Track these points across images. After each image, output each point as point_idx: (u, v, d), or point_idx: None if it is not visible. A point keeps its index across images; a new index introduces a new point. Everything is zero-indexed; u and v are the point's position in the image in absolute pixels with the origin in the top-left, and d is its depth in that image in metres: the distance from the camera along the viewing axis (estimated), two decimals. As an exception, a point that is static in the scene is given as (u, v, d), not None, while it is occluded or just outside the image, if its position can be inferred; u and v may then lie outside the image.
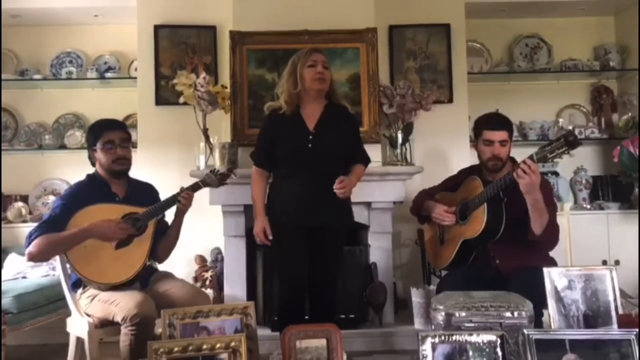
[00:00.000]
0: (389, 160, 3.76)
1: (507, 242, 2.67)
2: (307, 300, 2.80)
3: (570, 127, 4.34)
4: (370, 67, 3.69)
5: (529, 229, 2.60)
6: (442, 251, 2.94)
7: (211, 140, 3.59)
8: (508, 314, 1.91)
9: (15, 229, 4.02)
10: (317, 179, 2.68)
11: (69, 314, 2.71)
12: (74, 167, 3.85)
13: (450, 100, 4.04)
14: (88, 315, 2.57)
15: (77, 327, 2.62)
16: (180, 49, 4.02)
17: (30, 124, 4.44)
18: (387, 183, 3.55)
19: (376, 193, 3.52)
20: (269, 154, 2.79)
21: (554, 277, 2.03)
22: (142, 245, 2.61)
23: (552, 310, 2.00)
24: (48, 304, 3.32)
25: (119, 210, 2.62)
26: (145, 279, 2.67)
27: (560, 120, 4.60)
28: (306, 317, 2.76)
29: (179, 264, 3.47)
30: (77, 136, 4.27)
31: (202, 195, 3.14)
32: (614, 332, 1.88)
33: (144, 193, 2.79)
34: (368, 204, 3.56)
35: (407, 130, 3.75)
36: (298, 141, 2.72)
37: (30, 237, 2.48)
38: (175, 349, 1.76)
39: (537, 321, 2.15)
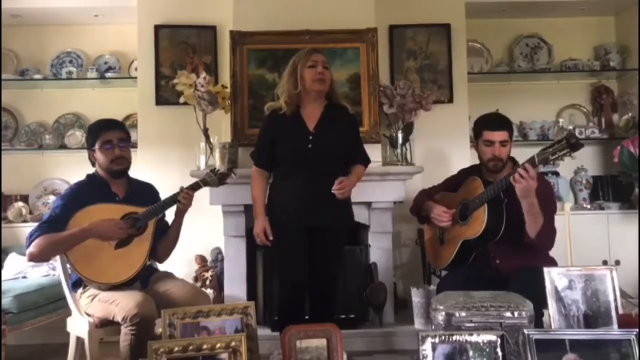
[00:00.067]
0: (389, 160, 3.76)
1: (507, 242, 2.66)
2: (307, 300, 2.80)
3: (571, 127, 4.35)
4: (371, 67, 3.69)
5: (524, 232, 2.61)
6: (442, 251, 2.94)
7: (211, 140, 3.59)
8: (508, 314, 1.91)
9: (15, 228, 4.02)
10: (317, 179, 2.69)
11: (69, 313, 2.71)
12: (74, 167, 3.87)
13: (451, 100, 4.03)
14: (88, 315, 2.57)
15: (77, 326, 2.62)
16: (181, 48, 4.02)
17: (30, 123, 4.44)
18: (387, 183, 3.55)
19: (376, 193, 3.52)
20: (269, 154, 2.79)
21: (554, 277, 2.04)
22: (142, 245, 2.61)
23: (552, 310, 2.00)
24: (48, 303, 3.32)
25: (119, 210, 2.62)
26: (145, 279, 2.67)
27: (561, 120, 4.60)
28: (306, 317, 2.76)
29: (179, 263, 3.46)
30: (78, 136, 4.27)
31: (202, 195, 3.14)
32: (614, 332, 1.88)
33: (144, 193, 2.79)
34: (368, 204, 3.56)
35: (407, 130, 3.75)
36: (298, 141, 2.72)
37: (31, 237, 2.49)
38: (176, 349, 1.76)
39: (537, 321, 2.14)
